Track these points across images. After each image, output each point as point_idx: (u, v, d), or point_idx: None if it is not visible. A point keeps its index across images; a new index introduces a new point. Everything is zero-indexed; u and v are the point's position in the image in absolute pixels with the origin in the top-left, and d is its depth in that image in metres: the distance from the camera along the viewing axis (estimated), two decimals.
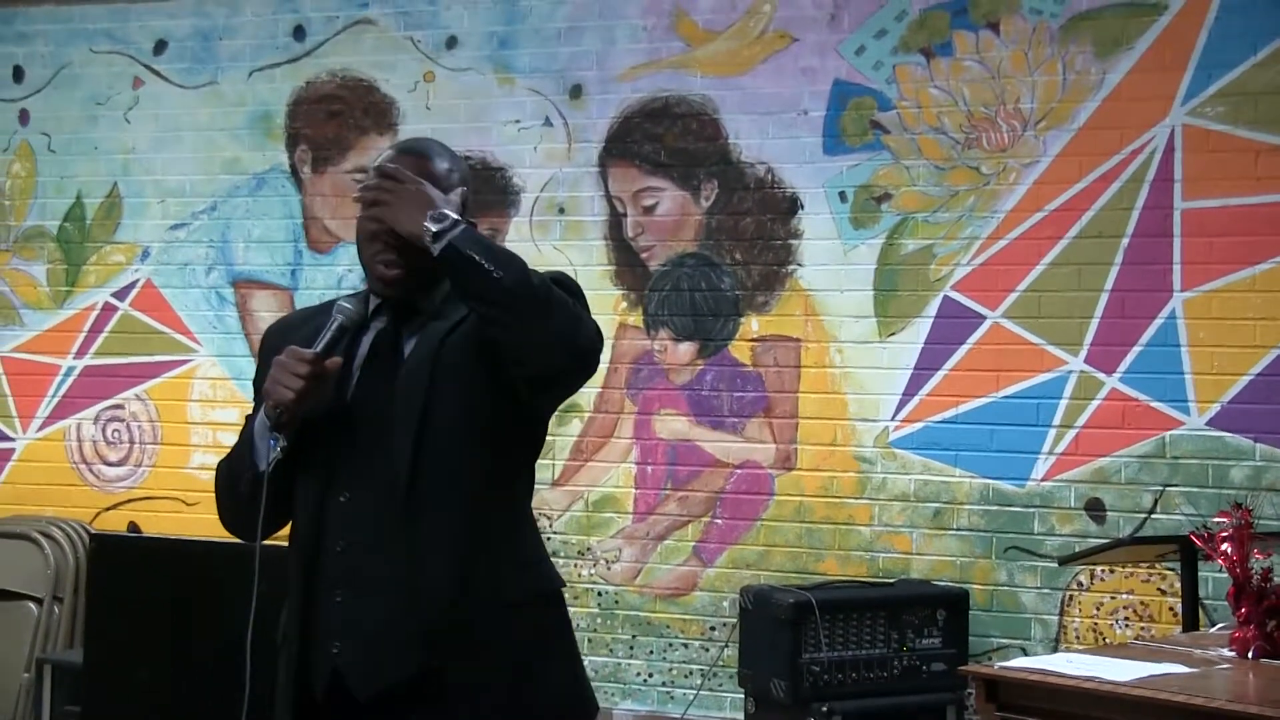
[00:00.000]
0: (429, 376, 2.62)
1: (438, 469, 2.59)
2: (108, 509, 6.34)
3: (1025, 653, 5.17)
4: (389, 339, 2.69)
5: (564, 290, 2.60)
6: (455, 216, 2.53)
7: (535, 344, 2.51)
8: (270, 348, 2.74)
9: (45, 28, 6.47)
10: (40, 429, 6.46)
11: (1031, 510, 5.32)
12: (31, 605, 5.99)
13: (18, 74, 6.50)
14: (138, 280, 6.33)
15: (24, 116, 6.51)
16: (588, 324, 2.59)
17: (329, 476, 2.64)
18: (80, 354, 6.40)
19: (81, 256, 6.42)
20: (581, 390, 5.64)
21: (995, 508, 5.35)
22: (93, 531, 6.08)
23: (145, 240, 6.32)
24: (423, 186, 2.57)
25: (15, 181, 6.51)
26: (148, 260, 6.32)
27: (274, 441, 2.61)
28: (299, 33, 6.16)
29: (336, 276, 6.06)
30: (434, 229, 2.49)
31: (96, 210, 6.39)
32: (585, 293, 2.71)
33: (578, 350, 2.57)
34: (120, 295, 6.34)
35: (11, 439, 6.49)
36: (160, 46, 6.33)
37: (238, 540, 2.78)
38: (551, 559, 2.79)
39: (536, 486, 5.64)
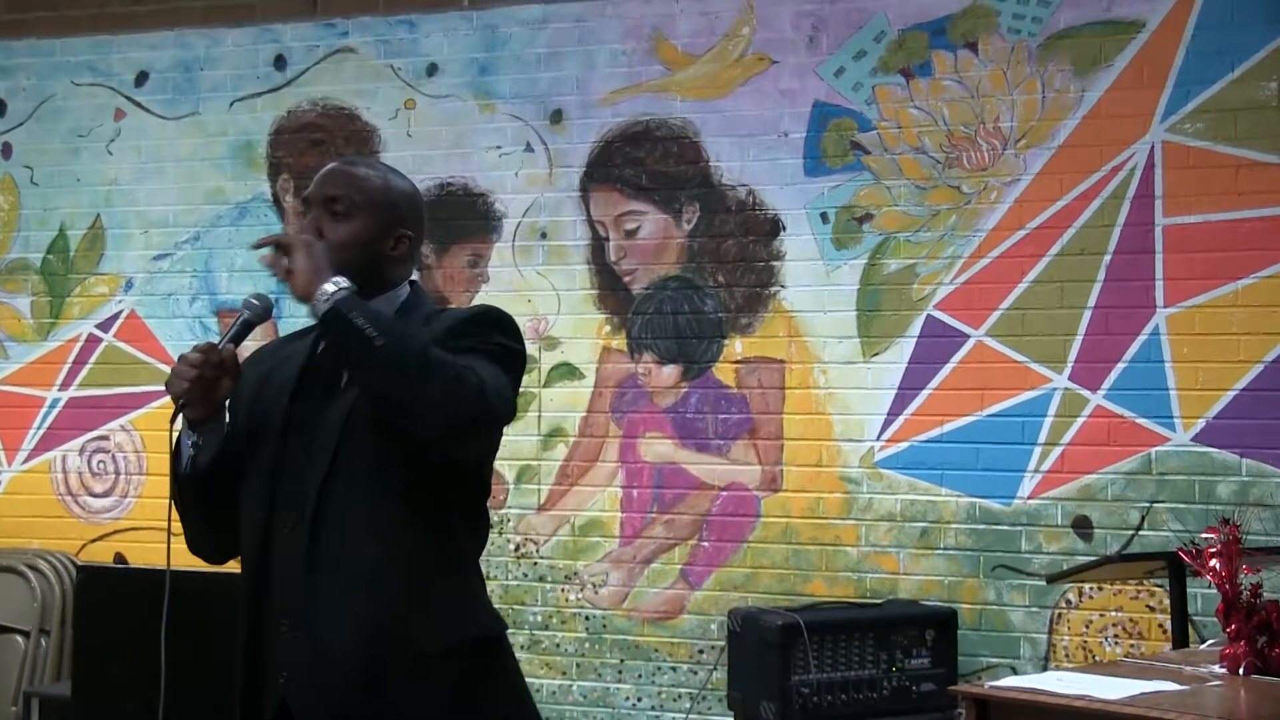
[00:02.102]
0: (345, 414, 2.59)
1: (346, 510, 2.57)
2: (94, 540, 6.32)
3: (1015, 671, 5.16)
4: (325, 370, 2.67)
5: (483, 329, 2.60)
6: (348, 284, 2.50)
7: (412, 413, 2.48)
8: (241, 377, 2.74)
9: (27, 61, 6.47)
10: (25, 461, 6.45)
11: (1018, 528, 5.31)
12: (18, 638, 5.97)
13: (0, 107, 6.50)
14: (122, 311, 6.32)
15: (6, 150, 6.51)
16: (474, 390, 2.49)
17: (271, 497, 2.63)
18: (65, 385, 6.38)
19: (65, 288, 6.41)
20: (566, 414, 5.72)
21: (982, 526, 5.35)
22: (79, 563, 6.06)
23: (129, 271, 6.32)
24: (316, 252, 2.54)
25: None
26: (131, 291, 6.31)
27: (188, 440, 2.64)
28: (280, 62, 6.17)
29: None
30: (329, 290, 2.48)
31: (80, 242, 6.39)
32: (518, 328, 2.70)
33: (458, 420, 2.49)
34: (104, 326, 6.33)
35: None
36: (142, 78, 6.34)
37: (224, 569, 2.79)
38: (490, 604, 2.73)
39: (521, 512, 5.74)
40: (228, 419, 2.70)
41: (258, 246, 2.62)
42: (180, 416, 2.62)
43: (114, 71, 6.38)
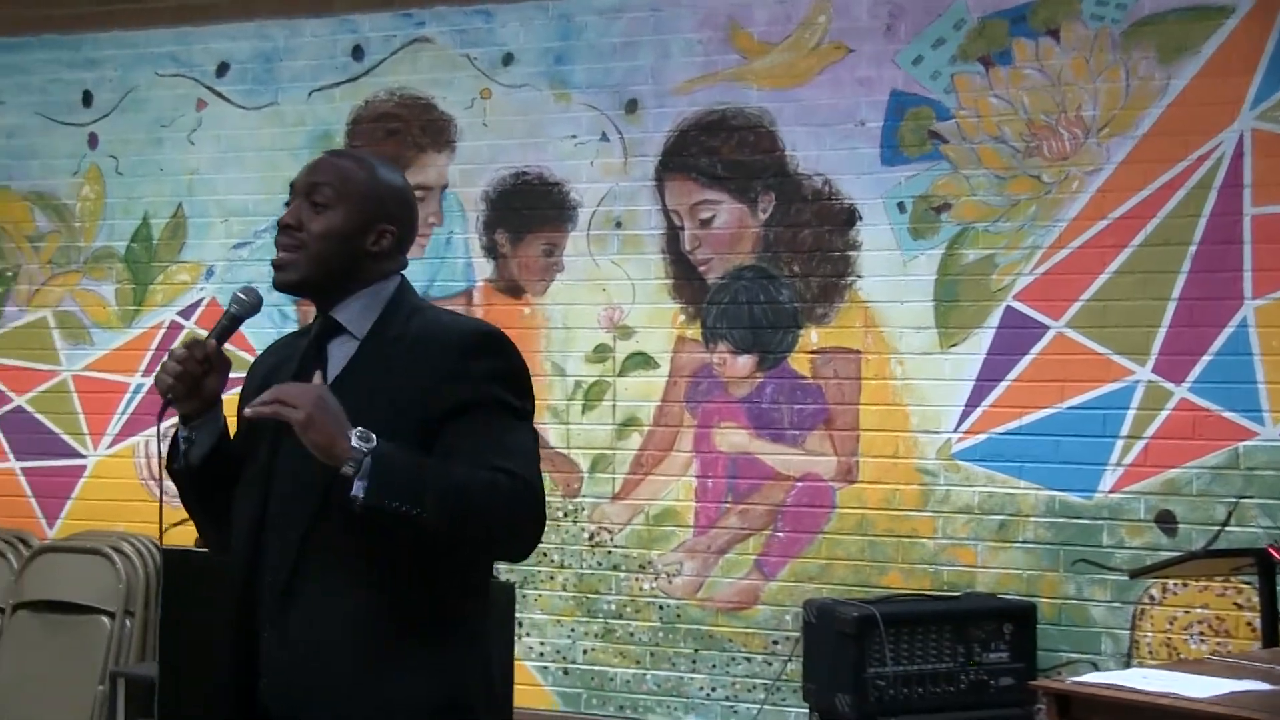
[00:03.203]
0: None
1: (330, 553, 2.48)
2: (177, 524, 6.36)
3: (1096, 667, 5.09)
4: (312, 359, 2.61)
5: (487, 379, 2.47)
6: (366, 450, 2.34)
7: (484, 551, 2.53)
8: (248, 374, 2.74)
9: (112, 53, 6.56)
10: (110, 446, 6.54)
11: (1100, 522, 5.24)
12: (104, 619, 6.06)
13: (87, 99, 6.60)
14: (202, 299, 6.39)
15: (93, 140, 6.60)
16: (525, 499, 2.42)
17: (263, 502, 2.57)
18: (148, 372, 6.47)
19: (148, 276, 6.49)
20: (640, 404, 5.71)
21: (1062, 520, 5.28)
22: (163, 546, 6.13)
23: (209, 259, 6.39)
24: (327, 421, 2.37)
25: (85, 204, 6.60)
26: (212, 279, 6.38)
27: (181, 434, 2.61)
28: (357, 52, 6.20)
29: None
30: (356, 485, 2.34)
31: (162, 230, 6.47)
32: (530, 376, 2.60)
33: (525, 535, 2.46)
34: (186, 314, 6.40)
35: (83, 456, 6.58)
36: (223, 69, 6.40)
37: None
38: (486, 675, 2.57)
39: (596, 500, 5.74)
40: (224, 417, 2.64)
41: (254, 419, 2.42)
42: (174, 413, 2.58)
43: (196, 62, 6.44)
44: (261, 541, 2.56)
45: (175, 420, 2.61)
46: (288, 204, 2.63)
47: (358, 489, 2.33)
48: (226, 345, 2.58)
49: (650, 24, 5.80)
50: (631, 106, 5.81)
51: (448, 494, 2.37)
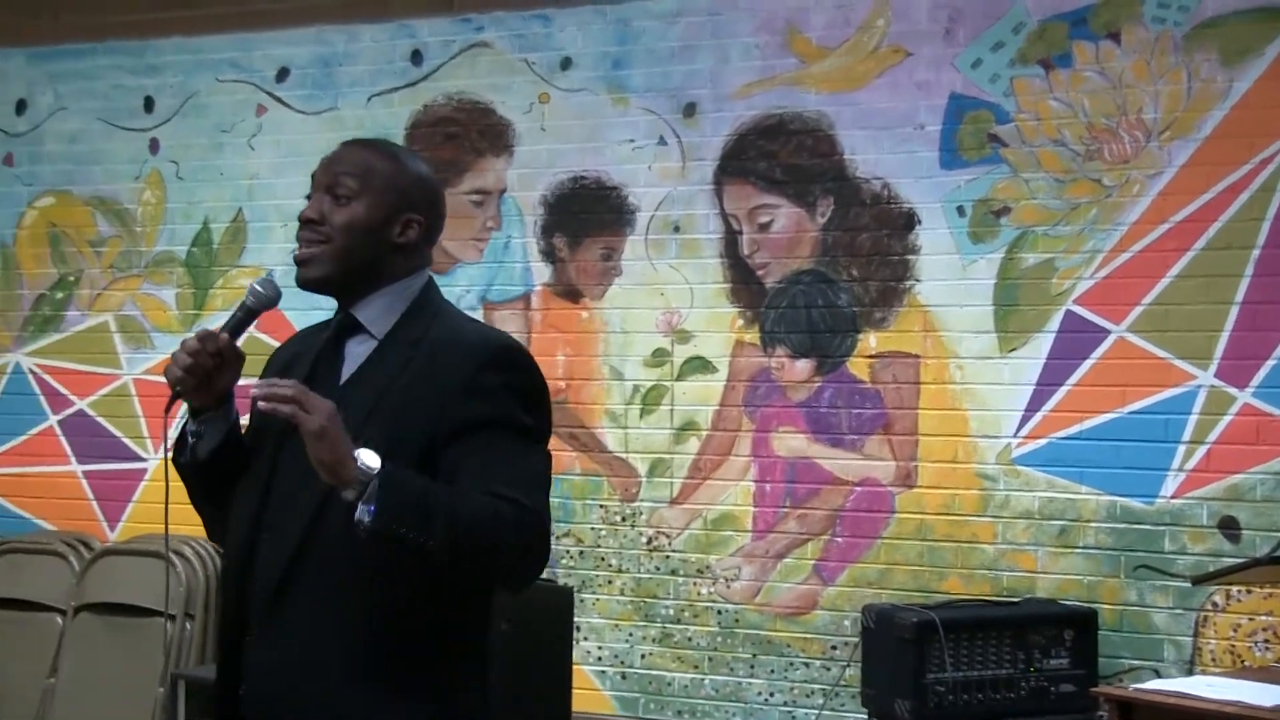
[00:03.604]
0: (352, 435, 2.34)
1: (326, 558, 2.38)
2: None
3: (1158, 674, 5.04)
4: (328, 357, 2.53)
5: (504, 394, 2.40)
6: (373, 473, 2.25)
7: (489, 579, 2.45)
8: (267, 364, 2.67)
9: (173, 59, 6.61)
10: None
11: (1161, 528, 5.20)
12: (164, 622, 6.11)
13: (149, 104, 6.66)
14: None
15: (154, 145, 6.65)
16: (532, 527, 2.36)
17: (261, 504, 2.49)
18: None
19: (208, 280, 6.54)
20: (698, 408, 5.71)
21: (1123, 525, 5.24)
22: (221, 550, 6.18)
23: (269, 263, 6.43)
24: (333, 443, 2.25)
25: (146, 208, 6.66)
26: None
27: (190, 428, 2.54)
28: (416, 57, 6.23)
29: (454, 296, 6.10)
30: (359, 509, 2.25)
31: (222, 235, 6.52)
32: (545, 380, 2.53)
33: (532, 564, 2.42)
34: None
35: (143, 459, 6.64)
36: (282, 74, 6.45)
37: None
38: (481, 692, 2.48)
39: (654, 505, 5.74)
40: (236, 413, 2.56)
41: (268, 412, 2.29)
42: (184, 406, 2.51)
43: (256, 68, 6.49)
44: (258, 540, 2.47)
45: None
46: (308, 197, 2.55)
47: (363, 513, 2.24)
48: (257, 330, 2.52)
49: (708, 28, 5.80)
50: (690, 110, 5.81)
51: (455, 522, 2.28)
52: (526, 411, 2.45)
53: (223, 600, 2.53)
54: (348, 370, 2.50)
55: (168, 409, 2.54)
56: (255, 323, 2.55)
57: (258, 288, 2.55)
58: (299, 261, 2.53)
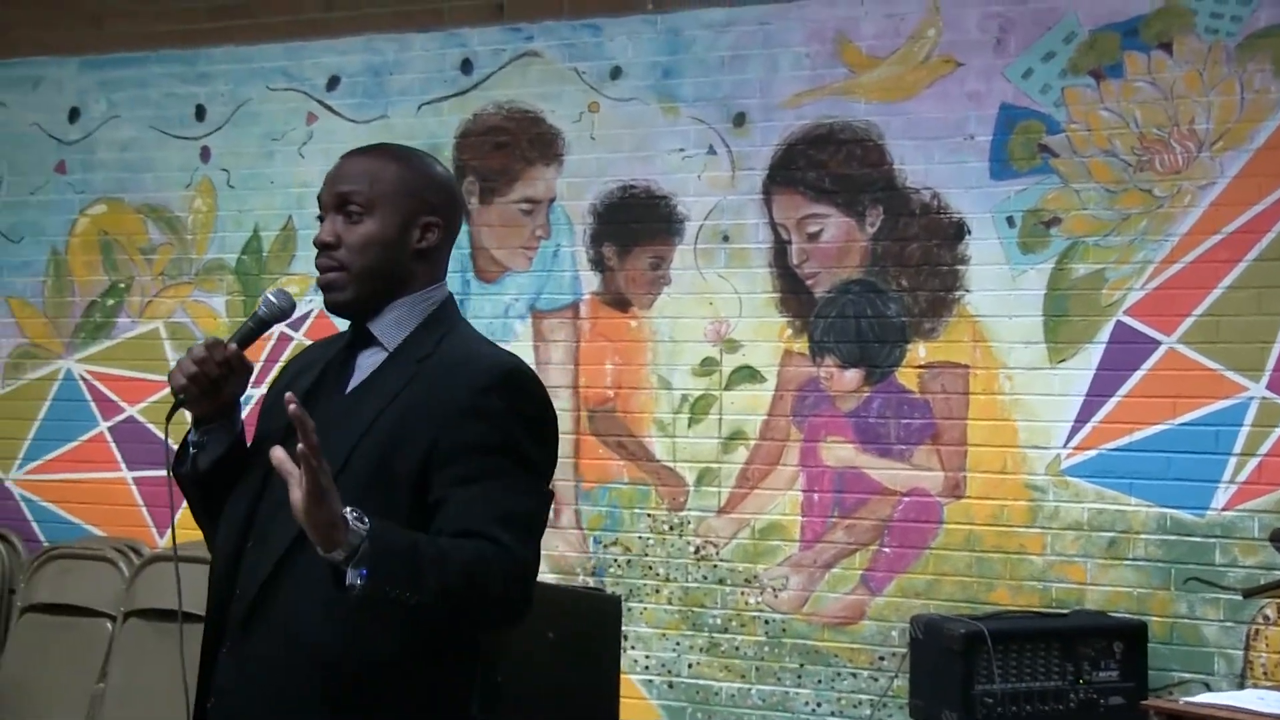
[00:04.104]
0: (345, 454, 2.31)
1: (307, 578, 2.27)
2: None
3: (1209, 688, 5.02)
4: (338, 367, 2.48)
5: (508, 420, 2.30)
6: (361, 537, 2.13)
7: (475, 626, 2.37)
8: (281, 371, 2.63)
9: (225, 67, 6.66)
10: None
11: (1212, 541, 5.17)
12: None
13: (200, 113, 6.71)
14: (312, 311, 6.45)
15: (205, 153, 6.70)
16: (518, 575, 2.28)
17: (251, 513, 2.43)
18: (257, 382, 6.46)
19: (258, 288, 6.58)
20: (746, 417, 5.72)
21: (1173, 537, 5.22)
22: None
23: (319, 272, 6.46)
24: (324, 508, 2.11)
25: (197, 216, 6.71)
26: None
27: (191, 438, 2.49)
28: (466, 66, 6.26)
29: (504, 305, 6.13)
30: (338, 558, 2.13)
31: (272, 243, 6.56)
32: (549, 396, 2.45)
33: (517, 610, 2.32)
34: (295, 325, 6.46)
35: None
36: (333, 82, 6.49)
37: None
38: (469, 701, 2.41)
39: (702, 514, 5.75)
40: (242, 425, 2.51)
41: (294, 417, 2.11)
42: (187, 414, 2.46)
43: (306, 76, 6.53)
44: (244, 550, 2.41)
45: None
46: (320, 218, 2.49)
47: (354, 577, 2.12)
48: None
49: (758, 37, 5.81)
50: (739, 120, 5.82)
51: (444, 577, 2.19)
52: (528, 440, 2.36)
53: (206, 609, 2.45)
54: (355, 381, 2.44)
55: (169, 416, 2.49)
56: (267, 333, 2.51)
57: (271, 298, 2.51)
58: (323, 286, 2.46)
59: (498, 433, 2.32)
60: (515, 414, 2.35)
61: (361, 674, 2.30)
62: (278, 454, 2.12)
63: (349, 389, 2.43)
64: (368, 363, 2.46)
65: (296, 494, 2.08)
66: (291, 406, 2.10)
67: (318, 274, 2.49)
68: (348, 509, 2.13)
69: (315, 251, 2.49)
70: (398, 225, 2.43)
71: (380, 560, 2.13)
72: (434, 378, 2.38)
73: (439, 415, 2.33)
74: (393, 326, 2.45)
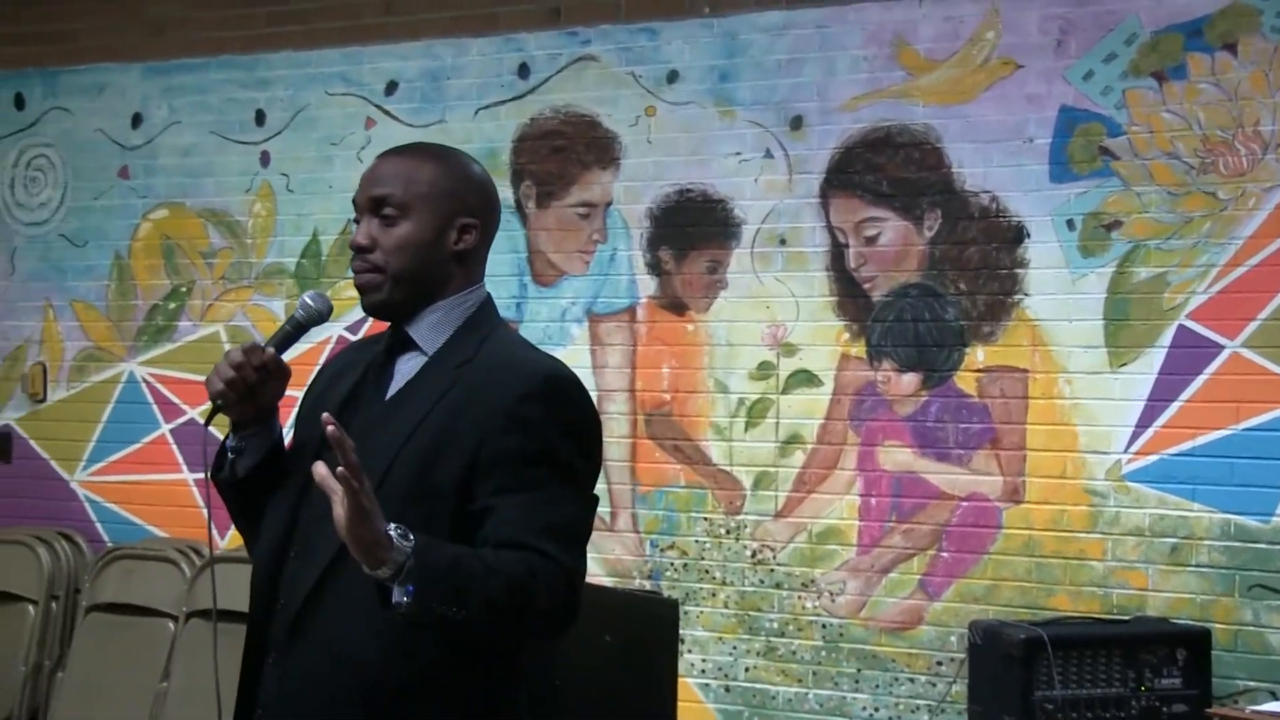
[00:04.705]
0: (389, 459, 2.30)
1: (353, 588, 2.23)
2: None
3: (1275, 696, 4.94)
4: (377, 372, 2.45)
5: (549, 429, 2.28)
6: (405, 553, 2.11)
7: (523, 641, 2.35)
8: (318, 373, 2.61)
9: (284, 73, 6.71)
10: None
11: (1277, 547, 5.11)
12: None
13: (259, 118, 6.76)
14: (369, 321, 6.50)
15: (265, 158, 6.75)
16: (563, 587, 2.25)
17: (290, 524, 2.41)
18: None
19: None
20: (803, 421, 5.70)
21: (1237, 544, 5.16)
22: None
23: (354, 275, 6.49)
24: (366, 522, 2.09)
25: (256, 220, 6.77)
26: None
27: (229, 442, 2.48)
28: (523, 71, 6.28)
29: (560, 309, 6.15)
30: (384, 575, 2.12)
31: (331, 247, 6.60)
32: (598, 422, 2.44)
33: (564, 624, 2.30)
34: (353, 329, 6.51)
35: None
36: (391, 87, 6.52)
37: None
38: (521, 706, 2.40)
39: (759, 518, 5.73)
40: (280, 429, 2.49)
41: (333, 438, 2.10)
42: (226, 419, 2.45)
43: (365, 81, 6.57)
44: (285, 560, 2.39)
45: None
46: (355, 221, 2.45)
47: (400, 594, 2.10)
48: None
49: (816, 41, 5.79)
50: (796, 123, 5.81)
51: (489, 592, 2.17)
52: (572, 448, 2.32)
53: (249, 616, 2.43)
54: (394, 387, 2.41)
55: (207, 422, 2.48)
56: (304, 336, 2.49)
57: (309, 301, 2.47)
58: (360, 289, 2.43)
59: (538, 441, 2.29)
60: (556, 420, 2.31)
61: (405, 688, 2.27)
62: (320, 470, 2.09)
63: (389, 395, 2.40)
64: (407, 367, 2.42)
65: (339, 511, 2.06)
66: (330, 428, 2.07)
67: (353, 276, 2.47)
68: (391, 525, 2.10)
69: None
70: (434, 227, 2.40)
71: (426, 577, 2.11)
72: (474, 384, 2.34)
73: (480, 423, 2.30)
74: (431, 330, 2.42)
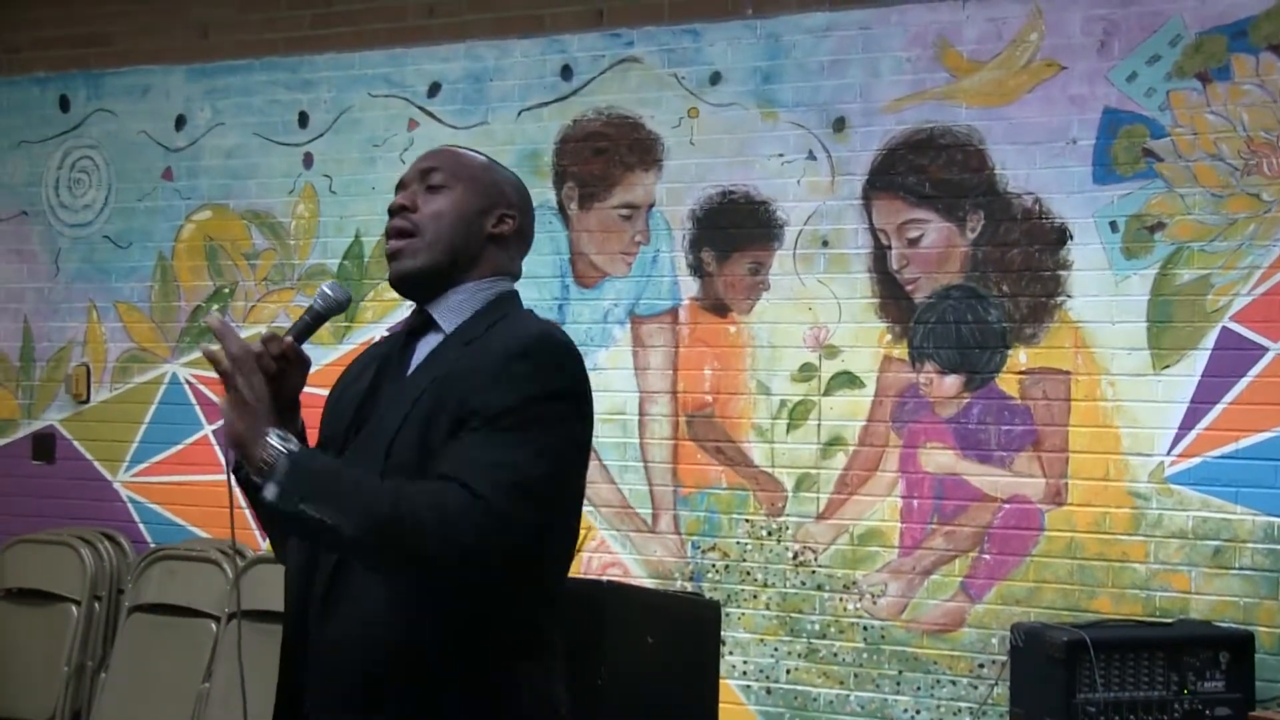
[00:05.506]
0: (395, 428, 2.34)
1: (369, 584, 2.32)
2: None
3: None
4: (400, 353, 2.49)
5: (526, 385, 2.27)
6: (283, 449, 2.20)
7: (415, 573, 2.28)
8: (349, 367, 2.63)
9: (328, 74, 6.75)
10: None
11: None
12: None
13: (303, 119, 6.80)
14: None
15: (308, 159, 6.79)
16: (472, 522, 2.19)
17: None
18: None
19: (359, 293, 6.65)
20: (846, 423, 5.69)
21: None
22: None
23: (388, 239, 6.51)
24: (260, 411, 2.23)
25: (299, 222, 6.80)
26: None
27: None
28: (566, 72, 6.30)
29: (603, 310, 6.16)
30: (269, 487, 2.18)
31: (373, 248, 6.63)
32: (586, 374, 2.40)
33: (452, 573, 2.23)
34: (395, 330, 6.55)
35: None
36: (434, 89, 6.55)
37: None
38: (556, 694, 2.40)
39: (800, 520, 5.73)
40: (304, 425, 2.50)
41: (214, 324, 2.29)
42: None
43: (408, 83, 6.60)
44: (318, 560, 2.41)
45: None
46: (400, 190, 2.49)
47: (266, 489, 2.17)
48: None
49: (859, 42, 5.79)
50: (839, 125, 5.81)
51: (374, 507, 2.17)
52: (547, 404, 2.30)
53: (285, 611, 2.45)
54: (414, 365, 2.44)
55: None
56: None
57: (327, 290, 2.47)
58: (391, 255, 2.45)
59: (513, 395, 2.29)
60: (535, 377, 2.31)
61: (428, 669, 2.29)
62: (212, 319, 2.28)
63: (408, 374, 2.44)
64: (426, 347, 2.46)
65: (222, 402, 2.19)
66: (207, 318, 2.20)
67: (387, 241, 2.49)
68: (274, 430, 2.20)
69: None
70: (476, 207, 2.45)
71: (295, 476, 2.17)
72: (475, 351, 2.38)
73: (469, 380, 2.32)
74: (452, 311, 2.44)
